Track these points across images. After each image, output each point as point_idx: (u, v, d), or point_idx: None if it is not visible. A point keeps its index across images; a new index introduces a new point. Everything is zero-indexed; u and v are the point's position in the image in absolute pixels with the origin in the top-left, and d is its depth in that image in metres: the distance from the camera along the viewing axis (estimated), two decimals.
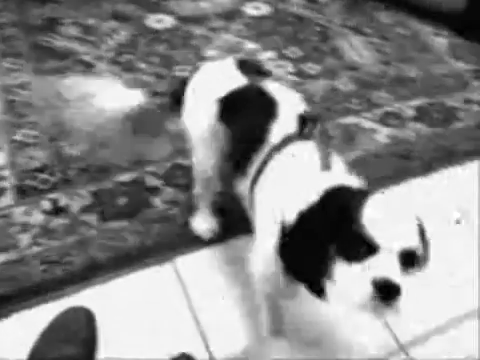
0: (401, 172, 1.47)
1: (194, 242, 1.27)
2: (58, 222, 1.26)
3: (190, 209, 1.31)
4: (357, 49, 1.92)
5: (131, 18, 1.98)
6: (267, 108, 0.93)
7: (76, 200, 1.31)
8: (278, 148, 0.88)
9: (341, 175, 0.82)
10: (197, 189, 1.23)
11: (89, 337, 0.97)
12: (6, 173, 1.38)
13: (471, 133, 1.64)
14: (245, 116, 0.96)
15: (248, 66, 1.08)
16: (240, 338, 1.10)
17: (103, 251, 1.21)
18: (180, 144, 1.49)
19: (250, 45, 1.90)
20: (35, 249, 1.19)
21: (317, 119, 0.92)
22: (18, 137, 1.47)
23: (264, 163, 0.89)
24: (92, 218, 1.28)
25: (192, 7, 2.07)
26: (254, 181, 0.92)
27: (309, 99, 1.67)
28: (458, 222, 1.35)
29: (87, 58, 1.78)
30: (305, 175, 0.82)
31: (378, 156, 1.51)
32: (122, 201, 1.33)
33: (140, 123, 1.56)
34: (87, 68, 1.74)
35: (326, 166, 0.82)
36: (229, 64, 1.07)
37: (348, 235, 0.67)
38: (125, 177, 1.39)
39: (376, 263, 0.64)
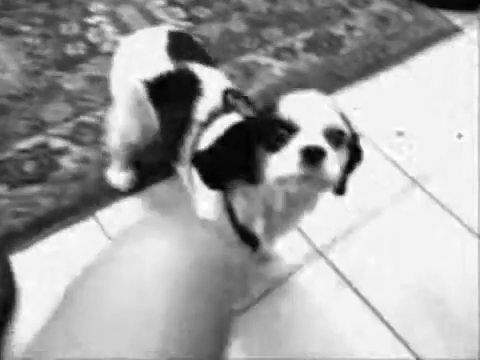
0: None
1: (113, 195, 1.27)
2: None
3: (103, 164, 1.30)
4: None
5: None
6: (192, 87, 0.94)
7: None
8: (206, 124, 0.90)
9: None
10: (112, 146, 1.22)
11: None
12: None
13: (357, 56, 1.77)
14: (172, 98, 0.96)
15: (181, 41, 1.05)
16: None
17: (18, 218, 1.17)
18: (82, 103, 1.46)
19: None
20: None
21: (240, 93, 0.95)
22: None
23: (197, 140, 0.91)
24: (1, 189, 1.22)
25: None
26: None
27: (206, 43, 1.69)
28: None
29: None
30: None
31: (277, 88, 1.59)
32: (29, 167, 1.28)
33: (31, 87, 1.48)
34: None
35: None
36: (160, 37, 1.03)
37: (269, 129, 0.70)
38: (28, 143, 1.33)
39: (300, 140, 0.67)
